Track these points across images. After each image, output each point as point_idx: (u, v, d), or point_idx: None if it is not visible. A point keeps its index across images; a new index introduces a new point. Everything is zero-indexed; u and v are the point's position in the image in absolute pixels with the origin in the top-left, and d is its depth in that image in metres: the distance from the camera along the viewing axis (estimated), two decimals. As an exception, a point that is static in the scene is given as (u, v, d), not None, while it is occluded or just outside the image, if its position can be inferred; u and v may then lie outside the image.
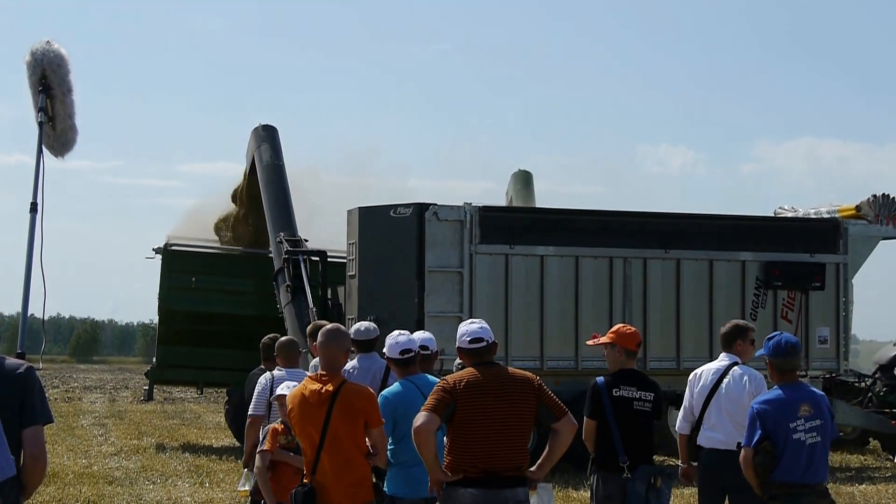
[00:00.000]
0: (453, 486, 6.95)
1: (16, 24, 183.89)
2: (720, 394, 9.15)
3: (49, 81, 9.89)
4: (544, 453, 7.16)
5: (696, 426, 9.26)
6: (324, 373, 7.18)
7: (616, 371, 8.67)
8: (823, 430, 7.60)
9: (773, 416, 7.52)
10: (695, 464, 9.34)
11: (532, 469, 7.15)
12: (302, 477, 7.28)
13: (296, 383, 7.77)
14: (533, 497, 7.39)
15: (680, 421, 9.42)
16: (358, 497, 7.03)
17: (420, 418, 6.88)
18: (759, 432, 7.53)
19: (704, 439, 9.20)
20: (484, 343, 7.20)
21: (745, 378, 9.13)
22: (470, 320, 7.44)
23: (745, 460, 7.61)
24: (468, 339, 7.20)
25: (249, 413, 10.17)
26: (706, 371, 9.35)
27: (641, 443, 8.54)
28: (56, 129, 9.95)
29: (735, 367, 9.20)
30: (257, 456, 8.37)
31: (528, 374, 7.29)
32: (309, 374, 10.17)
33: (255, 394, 10.15)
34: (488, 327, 7.33)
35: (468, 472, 6.94)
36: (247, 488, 10.14)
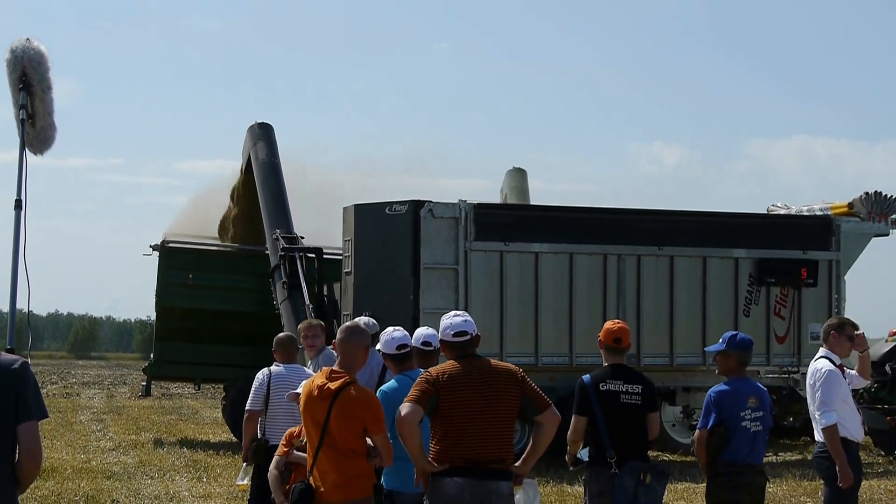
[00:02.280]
0: (439, 476, 7.00)
1: (13, 23, 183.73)
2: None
3: (29, 79, 9.95)
4: (528, 447, 7.20)
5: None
6: (338, 369, 7.12)
7: (603, 367, 8.78)
8: (765, 420, 8.66)
9: (728, 404, 8.53)
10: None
11: (517, 464, 7.19)
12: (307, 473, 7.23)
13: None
14: (518, 493, 7.39)
15: None
16: (355, 492, 7.00)
17: (403, 409, 6.91)
18: (714, 417, 8.54)
19: None
20: (468, 336, 7.23)
21: (809, 370, 9.32)
22: (453, 313, 7.42)
23: (700, 441, 8.62)
24: (452, 332, 7.22)
25: (247, 408, 10.27)
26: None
27: (631, 437, 8.56)
28: (36, 127, 10.02)
29: (814, 362, 9.34)
30: (274, 458, 8.20)
31: (511, 365, 7.33)
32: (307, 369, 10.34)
33: (252, 389, 10.25)
34: (471, 320, 7.34)
35: (453, 461, 6.98)
36: (245, 482, 10.22)
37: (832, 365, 9.26)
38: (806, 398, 17.49)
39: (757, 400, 8.63)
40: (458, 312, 7.43)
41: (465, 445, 7.00)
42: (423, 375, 7.14)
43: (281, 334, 10.75)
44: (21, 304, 9.63)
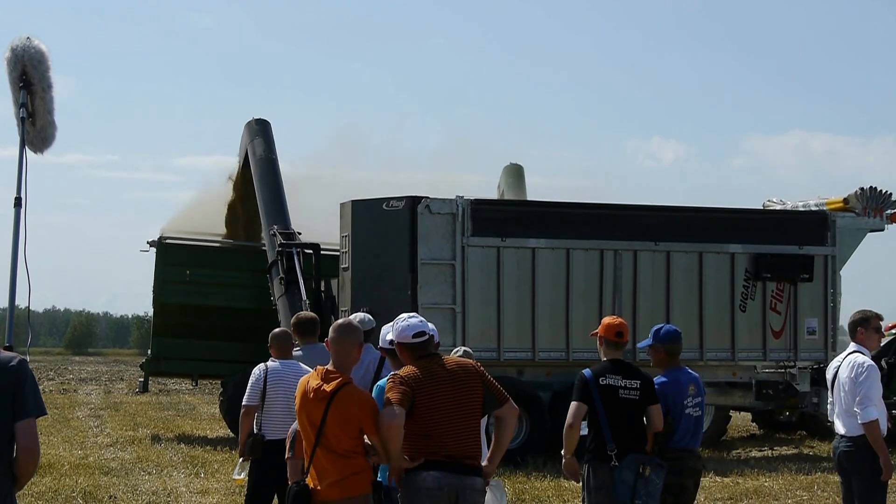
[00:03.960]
0: (414, 471, 7.06)
1: (9, 19, 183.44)
2: (837, 383, 9.33)
3: (29, 77, 9.97)
4: (493, 444, 7.27)
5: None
6: (332, 369, 7.09)
7: (602, 361, 8.85)
8: (702, 405, 9.13)
9: (673, 395, 8.95)
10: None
11: (483, 463, 7.26)
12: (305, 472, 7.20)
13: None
14: (487, 495, 7.43)
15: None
16: (353, 489, 7.01)
17: (392, 413, 6.92)
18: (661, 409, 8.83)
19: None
20: (427, 336, 7.28)
21: (845, 363, 9.26)
22: (406, 315, 7.42)
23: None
24: (412, 333, 7.24)
25: (244, 403, 10.28)
26: (832, 362, 9.62)
27: (630, 431, 8.63)
28: (36, 126, 10.04)
29: (849, 356, 9.31)
30: (288, 464, 8.06)
31: (469, 360, 7.40)
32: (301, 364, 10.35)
33: (249, 384, 10.26)
34: (425, 319, 7.39)
35: (431, 457, 7.04)
36: (242, 477, 10.25)
37: (871, 360, 9.27)
38: (801, 393, 17.66)
39: (695, 387, 9.08)
40: (412, 314, 7.45)
41: (441, 442, 7.07)
42: (394, 378, 7.13)
43: (277, 330, 10.75)
44: (21, 302, 9.67)
